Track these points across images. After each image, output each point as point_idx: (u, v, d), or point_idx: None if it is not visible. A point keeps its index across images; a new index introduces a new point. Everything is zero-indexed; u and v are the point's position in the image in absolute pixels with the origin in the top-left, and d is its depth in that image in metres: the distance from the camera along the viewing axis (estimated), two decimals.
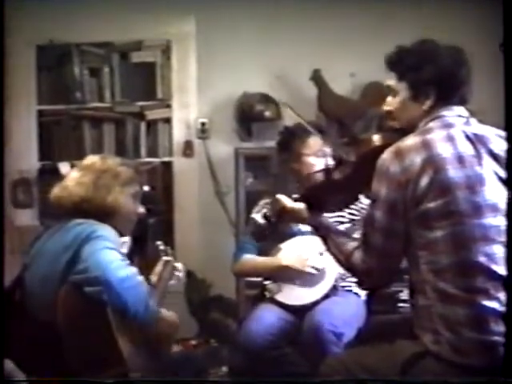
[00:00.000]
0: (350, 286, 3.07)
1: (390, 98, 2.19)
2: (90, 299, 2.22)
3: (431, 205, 1.94)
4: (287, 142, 3.19)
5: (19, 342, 2.32)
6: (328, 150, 3.15)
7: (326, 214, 2.36)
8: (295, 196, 2.43)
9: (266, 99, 4.37)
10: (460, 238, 1.93)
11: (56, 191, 2.54)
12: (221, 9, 4.35)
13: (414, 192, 1.96)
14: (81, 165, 2.59)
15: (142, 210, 2.64)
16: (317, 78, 4.30)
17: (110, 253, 2.28)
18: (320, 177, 2.37)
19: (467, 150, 2.00)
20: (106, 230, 2.38)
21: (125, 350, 2.27)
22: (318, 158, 3.12)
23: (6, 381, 2.27)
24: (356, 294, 3.07)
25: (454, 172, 1.95)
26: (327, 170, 2.33)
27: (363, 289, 2.97)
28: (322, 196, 2.33)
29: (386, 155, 2.02)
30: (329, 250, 2.28)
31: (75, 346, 2.25)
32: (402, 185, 1.97)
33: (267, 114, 4.36)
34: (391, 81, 2.17)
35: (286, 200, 2.41)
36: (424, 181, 1.95)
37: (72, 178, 2.53)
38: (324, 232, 2.30)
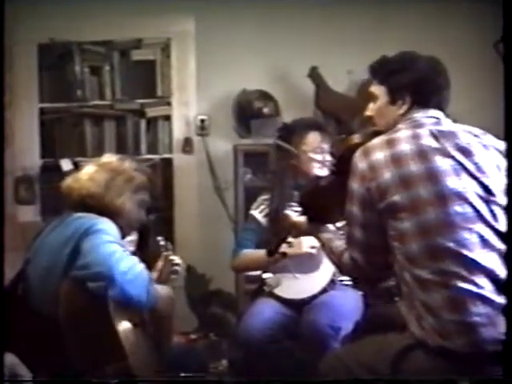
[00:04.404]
0: (348, 281, 3.09)
1: (371, 105, 2.30)
2: (92, 294, 2.24)
3: (396, 197, 2.03)
4: (286, 139, 3.23)
5: (22, 336, 2.34)
6: (326, 146, 3.19)
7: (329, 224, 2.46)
8: (298, 209, 2.55)
9: (264, 96, 4.40)
10: (426, 226, 2.00)
11: (68, 181, 2.56)
12: (220, 7, 4.37)
13: (378, 185, 2.06)
14: (98, 161, 2.61)
15: (144, 218, 2.66)
16: (314, 75, 4.33)
17: (110, 246, 2.30)
18: (313, 186, 2.50)
19: (430, 144, 2.09)
20: (105, 224, 2.39)
21: (126, 344, 2.27)
22: (316, 154, 3.16)
23: (7, 380, 2.31)
24: (353, 288, 3.09)
25: (415, 166, 2.04)
26: (317, 179, 2.44)
27: (360, 285, 3.02)
28: (317, 205, 2.42)
29: (357, 154, 2.14)
30: (326, 254, 2.41)
31: (77, 340, 2.27)
32: (368, 179, 2.08)
33: (266, 110, 4.38)
34: (373, 87, 2.29)
35: (292, 216, 2.60)
36: (387, 175, 2.05)
37: (86, 172, 2.56)
38: (321, 241, 2.42)
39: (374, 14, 4.39)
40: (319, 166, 3.15)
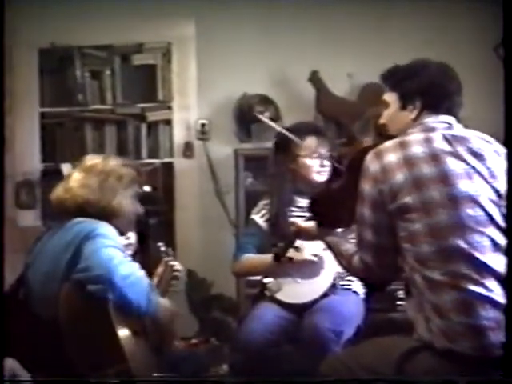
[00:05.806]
0: (349, 285, 3.09)
1: (385, 112, 2.32)
2: (92, 297, 2.25)
3: (407, 199, 2.05)
4: (284, 143, 3.22)
5: (23, 339, 2.35)
6: (325, 150, 3.18)
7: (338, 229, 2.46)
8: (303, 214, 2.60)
9: (265, 100, 4.39)
10: (437, 228, 2.02)
11: (59, 192, 2.54)
12: (220, 11, 4.39)
13: (390, 187, 2.07)
14: (83, 165, 2.58)
15: (140, 209, 2.65)
16: (315, 79, 4.33)
17: (110, 251, 2.31)
18: (322, 190, 2.51)
19: (443, 147, 2.10)
20: (105, 228, 2.40)
21: (126, 348, 2.28)
22: (313, 159, 3.15)
23: (7, 380, 2.30)
24: (355, 292, 3.09)
25: (427, 168, 2.06)
26: (327, 183, 2.45)
27: (369, 287, 3.01)
28: (327, 210, 2.42)
29: (368, 156, 2.15)
30: (334, 257, 2.41)
31: (77, 343, 2.28)
32: (380, 181, 2.10)
33: (266, 115, 4.39)
34: (385, 95, 2.31)
35: (299, 222, 2.67)
36: (399, 177, 2.06)
37: (75, 179, 2.53)
38: (330, 246, 2.43)
39: (374, 18, 4.40)
40: (317, 170, 3.15)
